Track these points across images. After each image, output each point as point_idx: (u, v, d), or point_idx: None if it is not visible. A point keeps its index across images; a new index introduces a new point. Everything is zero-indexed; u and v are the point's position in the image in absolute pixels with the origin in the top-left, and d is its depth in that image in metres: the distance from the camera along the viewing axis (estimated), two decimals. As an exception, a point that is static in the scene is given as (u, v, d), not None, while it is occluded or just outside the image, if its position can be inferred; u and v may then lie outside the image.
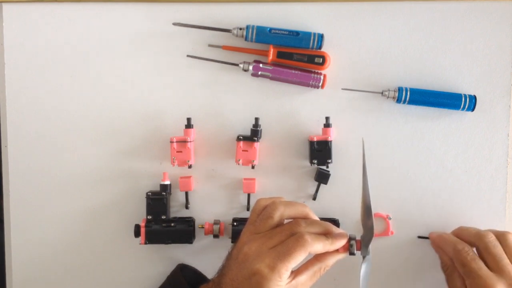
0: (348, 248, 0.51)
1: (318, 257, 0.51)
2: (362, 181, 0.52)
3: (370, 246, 0.51)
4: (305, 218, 0.52)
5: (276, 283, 0.46)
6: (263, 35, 0.59)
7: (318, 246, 0.48)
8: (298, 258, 0.47)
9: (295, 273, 0.49)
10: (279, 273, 0.46)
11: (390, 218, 0.63)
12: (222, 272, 0.52)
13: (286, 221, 0.52)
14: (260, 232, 0.50)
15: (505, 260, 0.53)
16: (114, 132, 0.63)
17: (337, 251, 0.51)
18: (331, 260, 0.51)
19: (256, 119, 0.61)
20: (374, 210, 0.53)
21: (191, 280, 0.59)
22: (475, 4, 0.61)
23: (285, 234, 0.49)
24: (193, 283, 0.58)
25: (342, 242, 0.51)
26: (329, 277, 0.64)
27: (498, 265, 0.52)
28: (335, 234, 0.51)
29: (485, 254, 0.54)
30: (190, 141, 0.61)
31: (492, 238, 0.55)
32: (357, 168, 0.63)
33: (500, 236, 0.55)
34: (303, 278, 0.50)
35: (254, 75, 0.61)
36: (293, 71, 0.60)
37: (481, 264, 0.53)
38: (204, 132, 0.63)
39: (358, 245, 0.51)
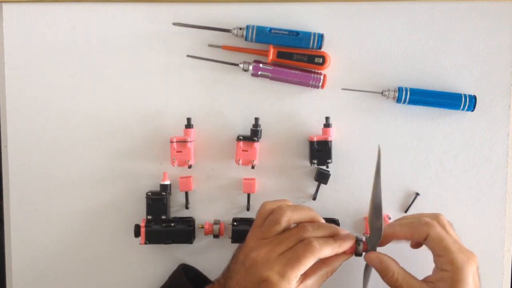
0: (355, 249, 0.51)
1: (324, 260, 0.51)
2: (373, 182, 0.52)
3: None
4: (312, 222, 0.52)
5: None
6: (263, 35, 0.59)
7: (327, 250, 0.49)
8: (308, 265, 0.48)
9: (303, 277, 0.49)
10: (289, 280, 0.46)
11: (390, 218, 0.63)
12: (227, 274, 0.52)
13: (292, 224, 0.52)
14: (267, 237, 0.50)
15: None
16: (114, 132, 0.63)
17: (343, 253, 0.51)
18: (338, 263, 0.51)
19: (256, 119, 0.61)
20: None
21: (193, 280, 0.59)
22: (475, 4, 0.61)
23: (293, 240, 0.49)
24: (195, 283, 0.58)
25: (349, 244, 0.51)
26: (330, 277, 0.63)
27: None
28: (342, 236, 0.51)
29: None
30: (190, 141, 0.61)
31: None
32: (357, 168, 0.63)
33: (433, 217, 0.53)
34: (310, 281, 0.50)
35: (254, 75, 0.61)
36: (293, 71, 0.60)
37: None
38: (204, 132, 0.63)
39: (365, 246, 0.52)
